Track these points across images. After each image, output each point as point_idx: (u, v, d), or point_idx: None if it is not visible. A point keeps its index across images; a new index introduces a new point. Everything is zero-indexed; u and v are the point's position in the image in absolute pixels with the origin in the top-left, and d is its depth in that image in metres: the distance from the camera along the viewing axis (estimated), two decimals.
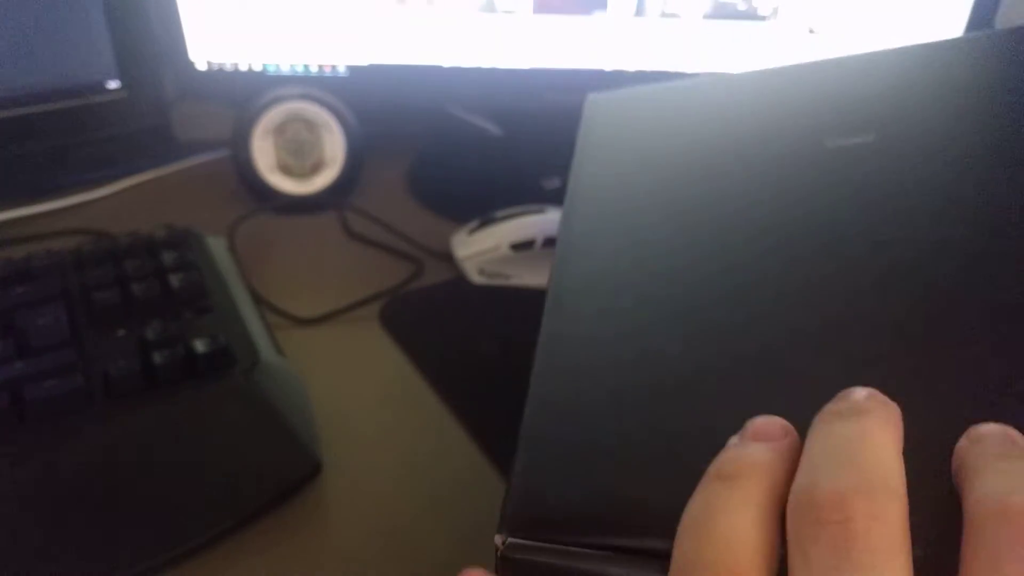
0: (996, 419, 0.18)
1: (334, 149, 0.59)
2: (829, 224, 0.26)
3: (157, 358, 0.36)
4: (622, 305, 0.25)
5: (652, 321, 0.24)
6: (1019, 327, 0.21)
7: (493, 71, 0.58)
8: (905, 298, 0.22)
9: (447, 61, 0.58)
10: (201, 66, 0.58)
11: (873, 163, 0.28)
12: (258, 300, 0.46)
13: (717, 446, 0.19)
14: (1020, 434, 0.17)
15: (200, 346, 0.37)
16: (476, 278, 0.51)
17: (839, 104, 0.33)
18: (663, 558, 0.17)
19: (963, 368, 0.20)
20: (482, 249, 0.51)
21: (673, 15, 0.55)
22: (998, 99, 0.30)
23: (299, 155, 0.59)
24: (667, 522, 0.17)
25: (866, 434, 0.17)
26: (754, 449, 0.18)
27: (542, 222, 0.51)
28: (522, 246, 0.50)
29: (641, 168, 0.32)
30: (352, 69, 0.58)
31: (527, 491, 0.20)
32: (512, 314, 0.49)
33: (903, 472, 0.16)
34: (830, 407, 0.18)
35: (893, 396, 0.18)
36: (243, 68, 0.58)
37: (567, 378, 0.23)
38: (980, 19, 0.55)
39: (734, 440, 0.19)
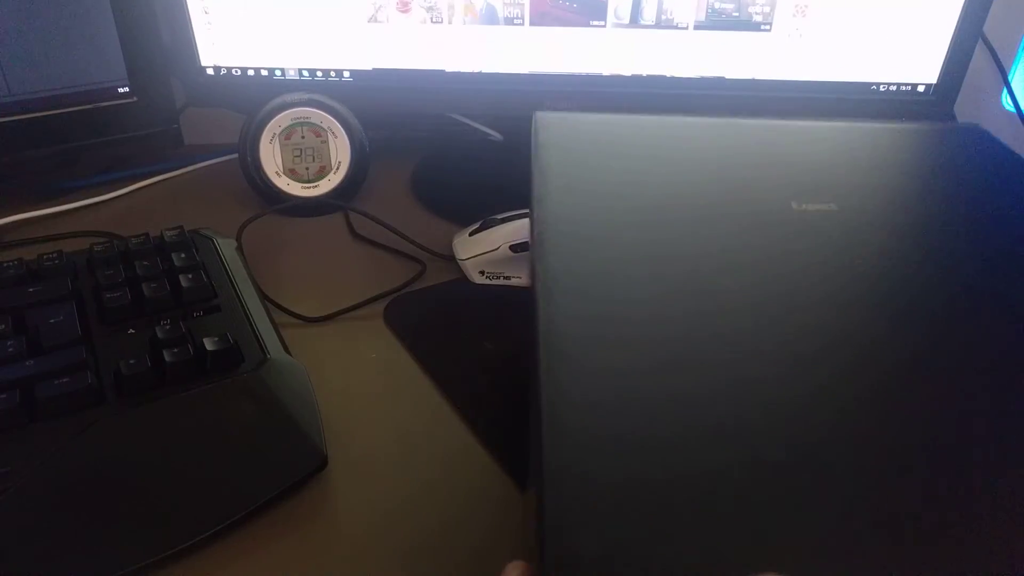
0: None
1: (339, 153, 0.60)
2: (800, 275, 0.29)
3: (167, 356, 0.37)
4: (620, 363, 0.25)
5: (650, 381, 0.24)
6: (973, 388, 0.23)
7: (493, 76, 0.59)
8: (855, 359, 0.25)
9: (449, 66, 0.59)
10: (210, 72, 0.60)
11: (834, 230, 0.31)
12: (266, 300, 0.46)
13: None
14: None
15: (209, 344, 0.37)
16: (477, 278, 0.52)
17: (806, 170, 0.36)
18: None
19: (921, 420, 0.22)
20: (483, 250, 0.51)
21: (669, 24, 0.56)
22: (948, 183, 0.35)
23: (305, 159, 0.60)
24: None
25: None
26: None
27: None
28: (521, 247, 0.51)
29: (610, 199, 0.33)
30: (356, 74, 0.60)
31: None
32: (512, 313, 0.50)
33: None
34: None
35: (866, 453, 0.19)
36: (251, 73, 0.60)
37: (580, 446, 0.22)
38: (969, 25, 0.56)
39: None
